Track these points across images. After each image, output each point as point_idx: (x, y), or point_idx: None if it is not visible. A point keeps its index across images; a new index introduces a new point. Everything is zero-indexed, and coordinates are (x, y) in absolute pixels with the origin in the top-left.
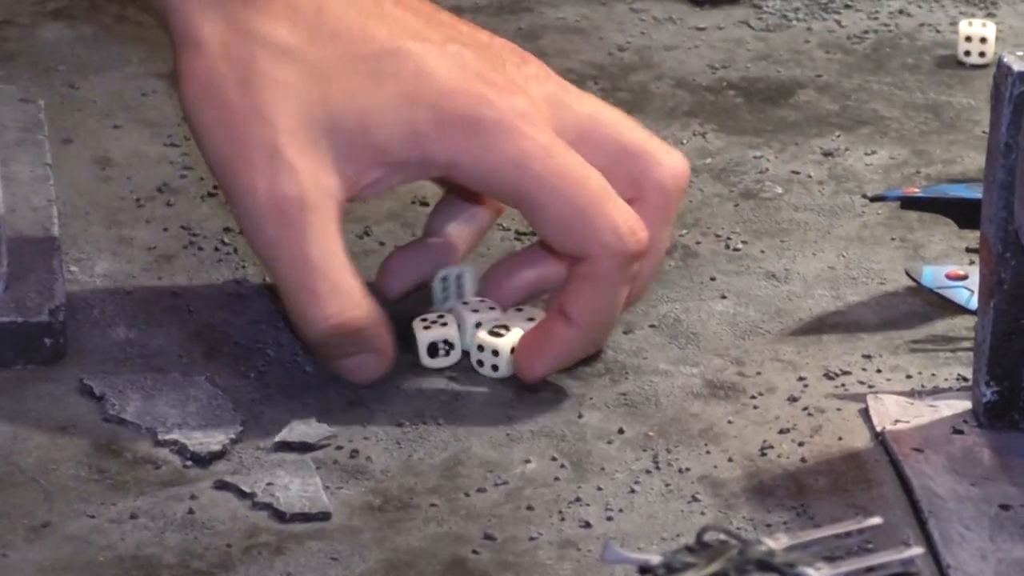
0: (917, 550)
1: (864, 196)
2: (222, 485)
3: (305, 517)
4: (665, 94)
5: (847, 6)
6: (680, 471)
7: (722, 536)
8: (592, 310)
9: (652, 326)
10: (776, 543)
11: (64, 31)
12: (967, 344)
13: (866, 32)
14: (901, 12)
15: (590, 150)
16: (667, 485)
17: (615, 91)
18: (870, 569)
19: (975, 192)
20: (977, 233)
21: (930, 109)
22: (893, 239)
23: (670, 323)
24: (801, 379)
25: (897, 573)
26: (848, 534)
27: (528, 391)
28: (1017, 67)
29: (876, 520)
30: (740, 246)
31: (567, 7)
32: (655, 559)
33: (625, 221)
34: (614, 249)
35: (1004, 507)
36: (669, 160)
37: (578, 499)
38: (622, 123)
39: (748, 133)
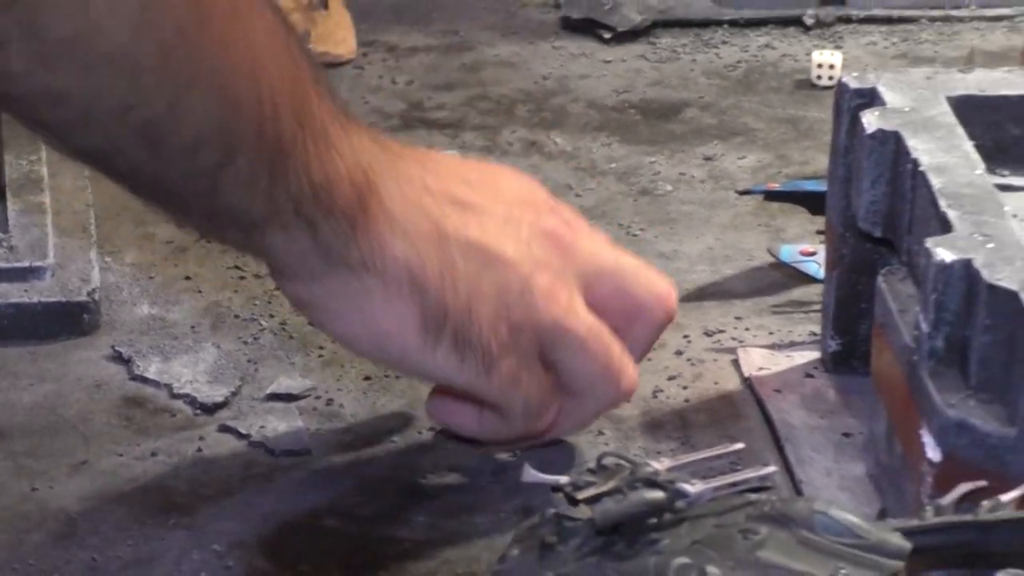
0: (772, 468)
1: (736, 191)
2: (224, 428)
3: (290, 453)
4: (579, 113)
5: (724, 42)
6: None
7: (617, 460)
8: (573, 424)
9: None
10: (660, 465)
11: None
12: (816, 306)
13: (739, 62)
14: (767, 46)
15: (599, 291)
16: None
17: (540, 111)
18: (735, 484)
19: (823, 186)
20: (824, 218)
21: (789, 122)
22: (759, 224)
23: None
24: (685, 336)
25: (757, 487)
26: (719, 457)
27: None
28: (853, 85)
29: (740, 445)
30: (638, 232)
31: (501, 46)
32: (563, 479)
33: (630, 377)
34: (615, 398)
35: (846, 435)
36: (659, 305)
37: None
38: (627, 271)
39: (644, 143)
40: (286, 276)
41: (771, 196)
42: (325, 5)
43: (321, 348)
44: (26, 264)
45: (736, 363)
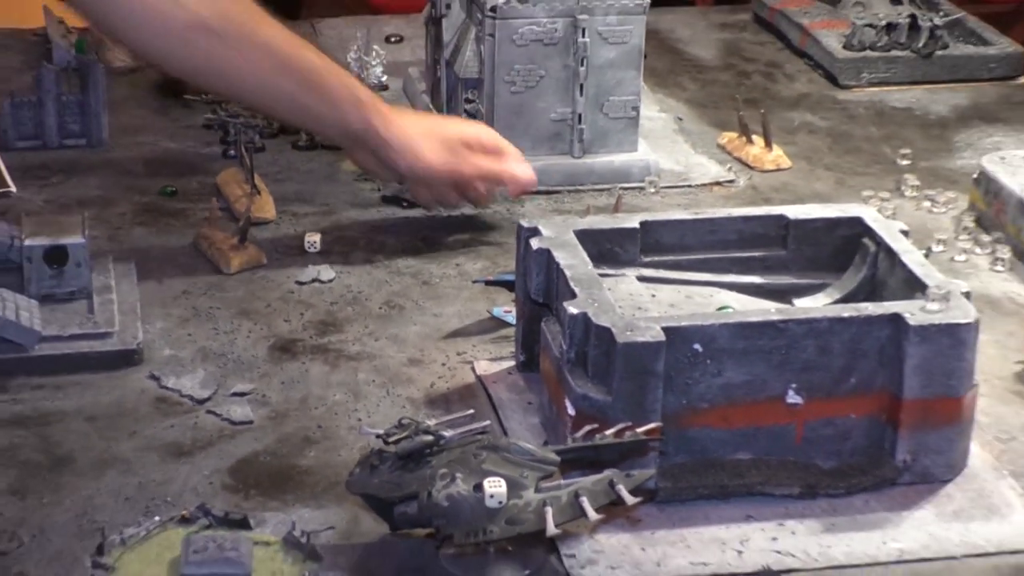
0: (488, 422)
1: (472, 281)
2: (210, 412)
3: (243, 423)
4: (392, 243)
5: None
6: (398, 395)
7: (410, 420)
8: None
9: (387, 338)
10: (432, 422)
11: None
12: (512, 338)
13: (472, 217)
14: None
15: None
16: (393, 402)
17: (370, 243)
18: (471, 431)
19: (514, 277)
20: (515, 294)
21: (498, 244)
22: (484, 298)
23: (392, 335)
24: (447, 356)
25: (481, 432)
26: (463, 418)
27: (334, 367)
28: (526, 225)
29: (472, 411)
30: (421, 305)
31: (352, 211)
32: (382, 431)
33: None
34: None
35: (529, 403)
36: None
37: (355, 410)
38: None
39: (425, 257)
40: (354, 150)
41: (489, 283)
42: (259, 192)
43: (259, 368)
44: (104, 330)
45: (473, 369)
